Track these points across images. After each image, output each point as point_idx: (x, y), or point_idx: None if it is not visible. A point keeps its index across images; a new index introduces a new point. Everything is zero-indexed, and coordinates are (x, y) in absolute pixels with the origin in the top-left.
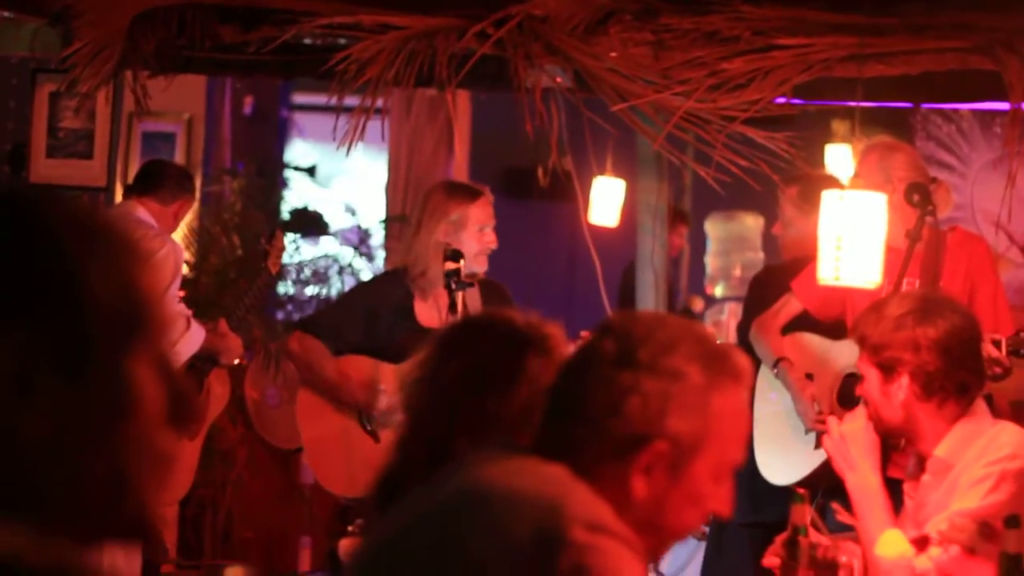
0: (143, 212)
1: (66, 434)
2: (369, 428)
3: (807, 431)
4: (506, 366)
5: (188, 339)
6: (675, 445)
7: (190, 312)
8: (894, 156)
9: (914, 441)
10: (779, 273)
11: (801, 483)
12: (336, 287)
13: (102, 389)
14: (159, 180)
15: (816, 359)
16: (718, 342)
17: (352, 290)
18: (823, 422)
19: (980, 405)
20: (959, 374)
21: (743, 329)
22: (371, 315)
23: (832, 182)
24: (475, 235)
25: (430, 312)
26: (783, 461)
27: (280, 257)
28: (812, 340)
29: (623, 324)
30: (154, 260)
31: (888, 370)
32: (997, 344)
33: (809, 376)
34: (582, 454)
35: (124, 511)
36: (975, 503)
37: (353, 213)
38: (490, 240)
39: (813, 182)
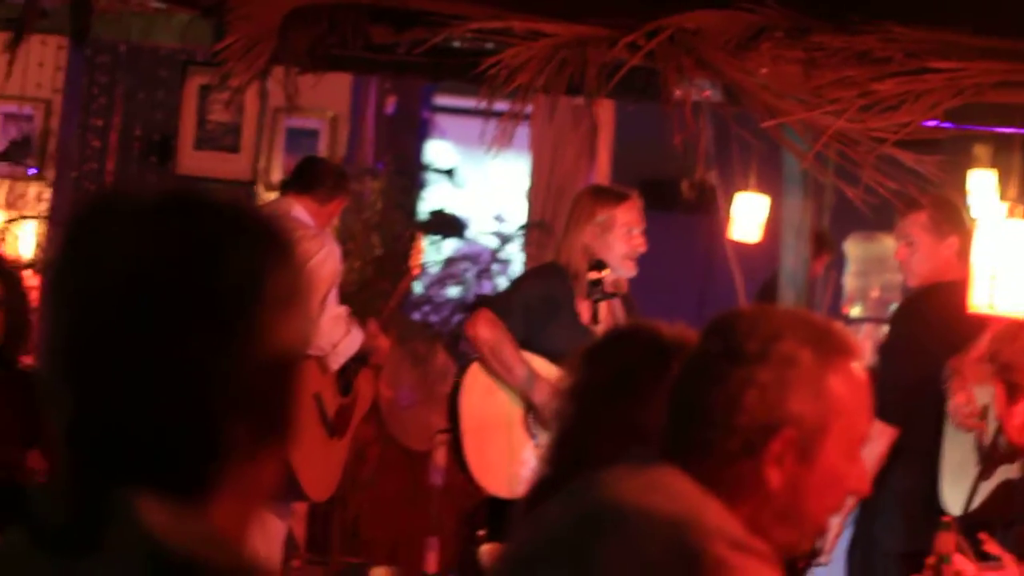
0: (300, 210)
1: None
2: (533, 430)
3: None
4: (651, 375)
5: (349, 341)
6: (801, 429)
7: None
8: None
9: None
10: (925, 301)
11: (971, 514)
12: (473, 290)
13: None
14: (317, 179)
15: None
16: (822, 319)
17: (528, 279)
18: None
19: None
20: None
21: (888, 364)
22: (554, 306)
23: (960, 207)
24: (622, 237)
25: (586, 315)
26: (963, 493)
27: (419, 259)
28: None
29: (726, 322)
30: (312, 263)
31: (1012, 390)
32: None
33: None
34: (713, 456)
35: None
36: None
37: (493, 217)
38: (638, 243)
39: (943, 207)
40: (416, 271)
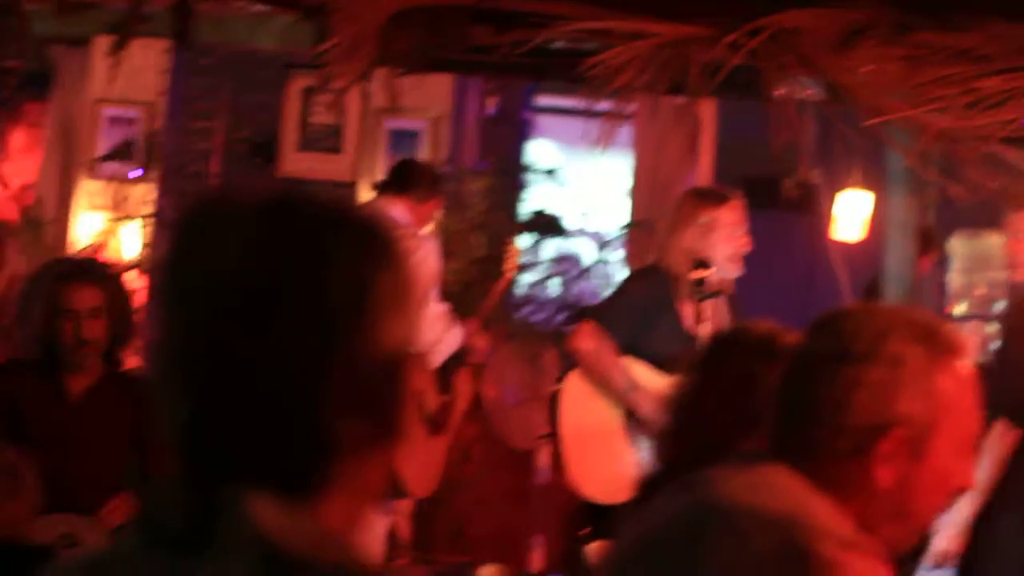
0: (397, 210)
1: None
2: (634, 437)
3: None
4: (756, 377)
5: (449, 339)
6: (911, 429)
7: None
8: None
9: None
10: None
11: None
12: (574, 290)
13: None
14: (413, 180)
15: None
16: (927, 317)
17: (631, 283)
18: None
19: None
20: None
21: (1003, 364)
22: (656, 310)
23: None
24: (726, 238)
25: (690, 318)
26: None
27: (514, 262)
28: None
29: (832, 321)
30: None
31: None
32: None
33: None
34: (822, 455)
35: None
36: None
37: (593, 216)
38: (743, 243)
39: None
40: (510, 275)
